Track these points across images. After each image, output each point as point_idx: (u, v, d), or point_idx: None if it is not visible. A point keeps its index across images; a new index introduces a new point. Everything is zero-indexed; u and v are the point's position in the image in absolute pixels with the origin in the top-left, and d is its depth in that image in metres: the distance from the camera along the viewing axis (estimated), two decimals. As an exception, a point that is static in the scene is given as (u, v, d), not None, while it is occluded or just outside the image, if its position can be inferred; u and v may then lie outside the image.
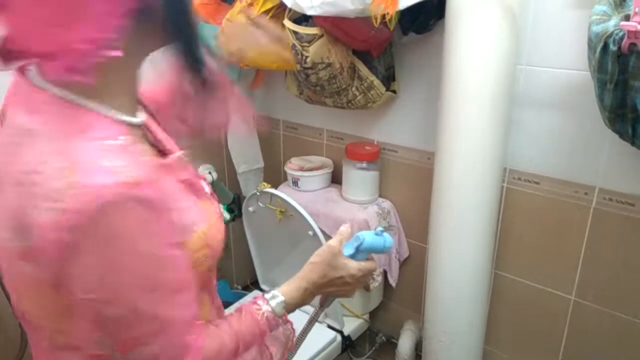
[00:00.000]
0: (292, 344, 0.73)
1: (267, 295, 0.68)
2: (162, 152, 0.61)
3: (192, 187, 0.61)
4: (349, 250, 0.75)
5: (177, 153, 0.61)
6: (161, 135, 0.64)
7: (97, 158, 0.47)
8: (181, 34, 0.53)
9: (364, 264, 0.75)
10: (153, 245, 0.49)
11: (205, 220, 0.60)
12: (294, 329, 0.72)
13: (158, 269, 0.51)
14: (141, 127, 0.58)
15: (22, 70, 0.52)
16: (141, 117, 0.57)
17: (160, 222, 0.50)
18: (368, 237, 0.75)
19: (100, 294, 0.48)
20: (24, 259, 0.49)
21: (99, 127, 0.50)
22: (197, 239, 0.58)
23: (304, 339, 0.82)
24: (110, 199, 0.45)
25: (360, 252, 0.75)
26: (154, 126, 0.63)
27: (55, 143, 0.47)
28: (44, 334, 0.56)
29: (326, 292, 0.75)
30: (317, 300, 0.80)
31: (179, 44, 0.53)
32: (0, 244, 0.51)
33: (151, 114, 0.65)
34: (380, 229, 0.77)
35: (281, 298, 0.68)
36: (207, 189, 0.68)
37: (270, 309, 0.66)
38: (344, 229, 0.76)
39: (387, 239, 0.77)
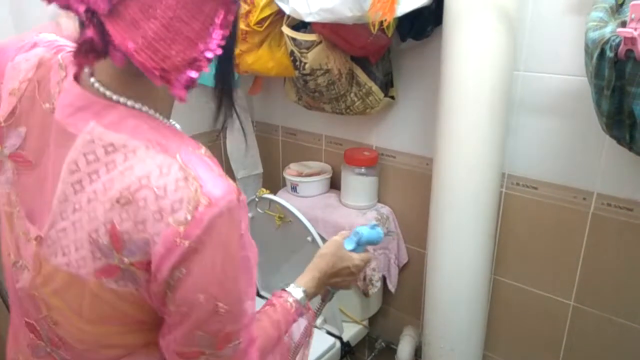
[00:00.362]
0: (312, 330, 0.80)
1: (288, 289, 0.76)
2: None
3: None
4: (350, 245, 0.85)
5: None
6: None
7: (206, 167, 0.50)
8: (225, 77, 0.57)
9: (364, 256, 0.86)
10: (247, 244, 0.54)
11: None
12: (314, 316, 0.80)
13: (250, 267, 0.55)
14: None
15: (76, 78, 0.53)
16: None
17: (246, 223, 0.54)
18: (366, 232, 0.86)
19: (215, 291, 0.51)
20: (111, 276, 0.50)
21: (182, 138, 0.53)
22: None
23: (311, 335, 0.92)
24: (232, 206, 0.49)
25: (359, 246, 0.86)
26: None
27: (159, 156, 0.49)
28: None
29: (333, 282, 0.83)
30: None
31: (220, 85, 0.58)
32: (73, 264, 0.51)
33: None
34: (373, 223, 0.89)
35: (302, 288, 0.76)
36: None
37: (295, 299, 0.74)
38: (344, 232, 0.89)
39: (379, 231, 0.89)
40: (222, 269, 0.50)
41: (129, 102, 0.52)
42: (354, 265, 0.83)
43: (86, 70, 0.53)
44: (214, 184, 0.49)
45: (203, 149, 0.54)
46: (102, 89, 0.52)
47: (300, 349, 0.76)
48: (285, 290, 0.76)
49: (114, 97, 0.51)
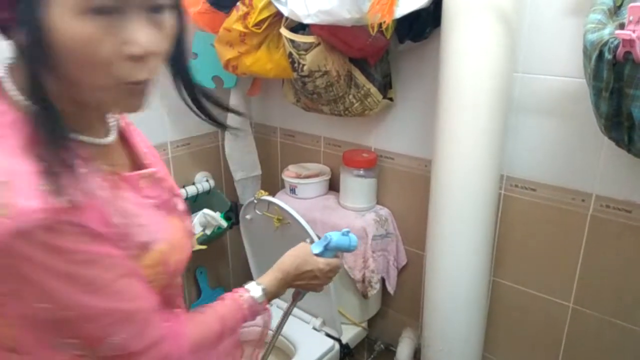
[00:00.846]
0: (267, 331, 0.78)
1: (247, 285, 0.75)
2: (141, 167, 0.64)
3: (162, 204, 0.62)
4: (317, 249, 0.85)
5: (143, 170, 0.62)
6: (146, 150, 0.66)
7: (31, 179, 0.46)
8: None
9: (331, 261, 0.85)
10: (76, 261, 0.49)
11: (167, 238, 0.60)
12: (270, 316, 0.78)
13: (95, 271, 0.51)
14: (104, 146, 0.58)
15: None
16: (109, 138, 0.59)
17: (86, 238, 0.50)
18: (335, 237, 0.85)
19: (46, 302, 0.49)
20: None
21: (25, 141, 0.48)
22: (152, 256, 0.58)
23: (279, 333, 0.94)
24: (39, 224, 0.45)
25: (327, 251, 0.85)
26: (140, 143, 0.66)
27: (1, 156, 0.47)
28: None
29: (297, 284, 0.83)
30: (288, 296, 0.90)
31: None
32: None
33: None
34: (346, 230, 0.87)
35: (262, 286, 0.75)
36: (181, 205, 0.69)
37: (251, 296, 0.73)
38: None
39: (353, 239, 0.87)
40: (39, 283, 0.48)
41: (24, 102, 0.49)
42: (318, 269, 0.83)
43: None
44: (25, 197, 0.45)
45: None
46: (7, 86, 0.51)
47: (250, 348, 0.76)
48: (243, 287, 0.75)
49: (12, 92, 0.50)
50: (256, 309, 0.73)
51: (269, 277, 0.79)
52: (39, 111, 0.48)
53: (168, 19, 0.51)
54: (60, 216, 0.46)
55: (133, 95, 0.52)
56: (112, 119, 0.62)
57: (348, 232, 0.87)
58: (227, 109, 0.70)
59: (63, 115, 0.49)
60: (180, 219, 0.67)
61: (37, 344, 0.53)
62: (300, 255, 0.83)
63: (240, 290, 0.74)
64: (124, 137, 0.65)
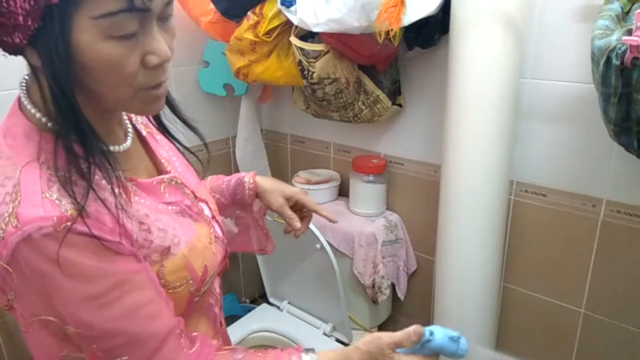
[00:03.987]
0: None
1: (303, 352, 0.63)
2: (162, 173, 0.64)
3: (184, 210, 0.62)
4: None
5: (163, 176, 0.62)
6: (166, 156, 0.67)
7: (39, 187, 0.47)
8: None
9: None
10: (76, 274, 0.49)
11: (189, 242, 0.60)
12: None
13: (101, 287, 0.50)
14: (124, 152, 0.59)
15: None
16: (126, 143, 0.59)
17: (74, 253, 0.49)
18: (439, 336, 0.65)
19: (51, 314, 0.49)
20: None
21: (38, 148, 0.50)
22: (175, 261, 0.58)
23: None
24: (44, 232, 0.46)
25: (424, 348, 0.66)
26: (161, 148, 0.67)
27: (11, 167, 0.48)
28: None
29: None
30: None
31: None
32: None
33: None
34: (456, 334, 0.66)
35: (315, 357, 0.63)
36: (208, 212, 0.68)
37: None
38: (413, 329, 0.64)
39: (462, 347, 0.66)
40: (45, 294, 0.48)
41: (38, 115, 0.51)
42: None
43: None
44: (32, 206, 0.46)
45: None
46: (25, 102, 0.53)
47: None
48: (297, 350, 0.63)
49: (28, 107, 0.52)
50: None
51: (331, 355, 0.65)
52: (66, 123, 0.48)
53: (172, 22, 0.53)
54: (69, 226, 0.46)
55: (153, 98, 0.53)
56: (128, 124, 0.63)
57: (459, 337, 0.66)
58: (183, 120, 0.67)
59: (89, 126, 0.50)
60: (208, 224, 0.66)
61: (49, 354, 0.54)
62: (372, 351, 0.63)
63: (290, 351, 0.63)
64: (145, 145, 0.66)
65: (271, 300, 1.66)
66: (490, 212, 1.16)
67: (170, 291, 0.58)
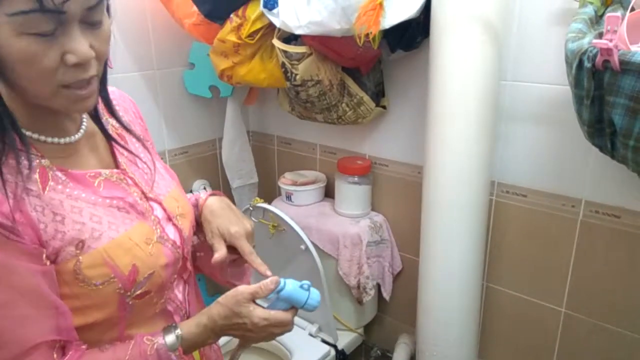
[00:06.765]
0: None
1: (166, 329, 0.65)
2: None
3: (125, 206, 0.63)
4: (269, 295, 0.71)
5: (102, 170, 0.64)
6: (130, 156, 0.69)
7: None
8: None
9: (274, 314, 0.69)
10: None
11: (114, 238, 0.60)
12: None
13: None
14: (67, 145, 0.62)
15: None
16: (72, 138, 0.62)
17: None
18: (290, 286, 0.70)
19: None
20: None
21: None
22: (92, 255, 0.58)
23: None
24: None
25: (279, 301, 0.70)
26: (132, 146, 0.70)
27: None
28: None
29: (230, 334, 0.70)
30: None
31: None
32: None
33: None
34: (307, 283, 0.71)
35: (177, 331, 0.64)
36: (161, 213, 0.68)
37: (163, 342, 0.62)
38: (269, 280, 0.70)
39: (313, 297, 0.71)
40: None
41: None
42: (251, 322, 0.67)
43: None
44: None
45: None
46: None
47: None
48: (161, 331, 0.65)
49: None
50: (166, 357, 0.62)
51: (193, 322, 0.67)
52: None
53: (104, 22, 0.54)
54: None
55: (78, 97, 0.55)
56: (85, 120, 0.66)
57: (309, 286, 0.71)
58: (120, 121, 0.70)
59: (15, 116, 0.54)
60: (154, 224, 0.66)
61: None
62: (230, 303, 0.67)
63: (154, 334, 0.64)
64: (110, 142, 0.68)
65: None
66: (472, 212, 1.18)
67: (92, 288, 0.58)
